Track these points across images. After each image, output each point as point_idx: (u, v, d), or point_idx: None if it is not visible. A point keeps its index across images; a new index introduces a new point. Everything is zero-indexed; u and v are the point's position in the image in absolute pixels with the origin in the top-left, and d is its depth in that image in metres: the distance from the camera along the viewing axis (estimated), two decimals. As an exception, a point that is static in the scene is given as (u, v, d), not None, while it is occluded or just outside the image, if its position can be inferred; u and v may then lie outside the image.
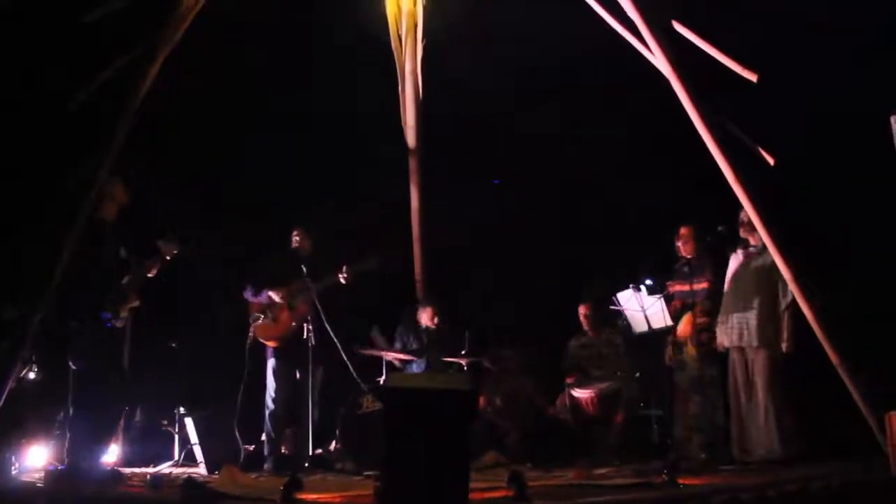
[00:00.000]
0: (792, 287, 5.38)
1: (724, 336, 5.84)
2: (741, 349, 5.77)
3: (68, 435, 5.03)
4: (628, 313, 6.17)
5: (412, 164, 7.33)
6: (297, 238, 6.30)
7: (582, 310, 6.91)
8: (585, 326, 6.92)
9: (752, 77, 5.37)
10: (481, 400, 6.81)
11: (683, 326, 6.09)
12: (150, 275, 5.26)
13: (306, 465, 5.82)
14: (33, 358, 5.82)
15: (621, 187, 7.39)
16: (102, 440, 5.09)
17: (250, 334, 6.07)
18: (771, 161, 5.53)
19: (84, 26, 5.38)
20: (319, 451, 6.20)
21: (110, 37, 5.49)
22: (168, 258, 5.28)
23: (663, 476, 4.31)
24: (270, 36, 7.31)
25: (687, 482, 4.36)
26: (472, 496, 3.20)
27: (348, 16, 6.94)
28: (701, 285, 6.08)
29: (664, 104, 6.32)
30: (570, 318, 7.18)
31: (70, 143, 5.71)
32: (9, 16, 5.92)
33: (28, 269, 5.24)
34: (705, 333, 6.00)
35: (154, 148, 6.41)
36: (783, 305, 5.62)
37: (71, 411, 4.99)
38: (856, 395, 5.24)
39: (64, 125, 5.80)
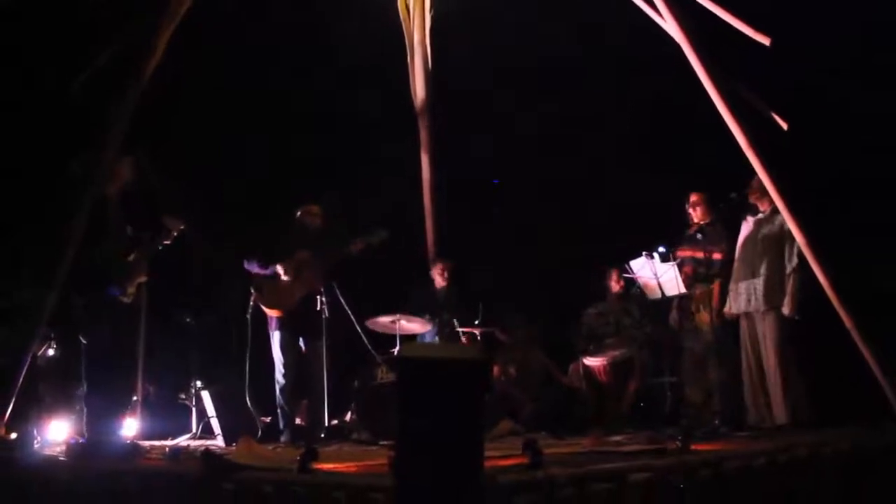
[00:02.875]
0: (806, 252, 5.36)
1: (733, 303, 5.86)
2: (750, 315, 5.78)
3: (84, 410, 5.12)
4: (641, 281, 6.16)
5: (423, 132, 7.34)
6: (310, 214, 6.27)
7: (614, 276, 6.90)
8: (613, 290, 6.91)
9: (765, 41, 5.31)
10: (495, 370, 6.86)
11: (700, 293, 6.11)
12: (159, 248, 5.30)
13: (322, 435, 5.88)
14: (52, 335, 5.89)
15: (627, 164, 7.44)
16: (116, 414, 5.16)
17: (251, 303, 6.01)
18: (784, 126, 5.49)
19: (83, 24, 5.37)
20: (335, 421, 6.26)
21: (109, 33, 5.48)
22: (175, 234, 5.32)
23: (677, 443, 4.33)
24: (272, 34, 7.31)
25: (700, 448, 4.38)
26: (487, 464, 3.21)
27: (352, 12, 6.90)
28: (716, 255, 6.08)
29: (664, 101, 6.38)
30: (582, 288, 7.21)
31: (74, 130, 5.72)
32: (9, 15, 5.89)
33: (40, 251, 5.28)
34: (720, 304, 6.01)
35: (155, 142, 6.38)
36: (789, 269, 5.62)
37: (85, 386, 5.06)
38: (870, 361, 5.24)
39: (69, 112, 5.81)
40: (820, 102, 6.45)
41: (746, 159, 5.46)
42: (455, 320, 6.82)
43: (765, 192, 5.67)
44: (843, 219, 6.23)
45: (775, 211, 5.68)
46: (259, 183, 7.69)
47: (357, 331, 6.22)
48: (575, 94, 7.63)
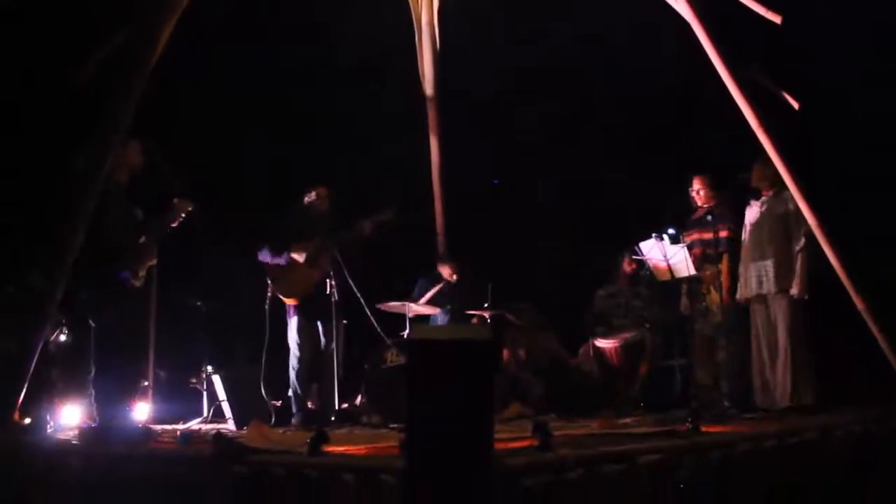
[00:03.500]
0: (817, 234, 5.34)
1: (744, 287, 5.84)
2: (761, 297, 5.77)
3: (92, 393, 5.15)
4: (651, 263, 6.14)
5: (431, 114, 7.33)
6: (317, 196, 6.26)
7: (625, 258, 6.89)
8: (625, 273, 6.90)
9: (776, 19, 5.26)
10: (504, 353, 6.86)
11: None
12: (167, 230, 5.33)
13: (332, 419, 5.90)
14: (63, 321, 5.92)
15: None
16: (125, 397, 5.20)
17: (269, 294, 6.05)
18: (796, 106, 5.45)
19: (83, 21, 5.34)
20: (345, 405, 6.28)
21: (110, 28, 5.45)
22: (183, 215, 5.33)
23: (687, 424, 4.33)
24: (273, 30, 7.28)
25: (710, 430, 4.38)
26: (497, 446, 3.23)
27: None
28: (723, 233, 6.07)
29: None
30: (591, 270, 7.22)
31: (80, 122, 5.70)
32: (9, 15, 5.86)
33: (49, 237, 5.27)
34: (729, 280, 5.99)
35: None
36: (797, 249, 5.61)
37: (93, 370, 5.09)
38: (882, 343, 5.22)
39: (73, 101, 5.78)
40: (832, 84, 6.40)
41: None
42: (464, 310, 6.83)
43: (767, 177, 5.67)
44: (854, 200, 6.18)
45: (779, 193, 5.68)
46: (261, 180, 7.69)
47: (367, 314, 6.22)
48: (575, 90, 7.63)
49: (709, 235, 6.11)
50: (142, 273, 5.16)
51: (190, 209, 5.33)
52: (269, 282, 6.03)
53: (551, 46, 7.41)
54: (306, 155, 7.63)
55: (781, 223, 5.71)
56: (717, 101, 5.53)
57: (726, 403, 5.83)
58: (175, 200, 5.29)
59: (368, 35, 6.92)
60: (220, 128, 7.40)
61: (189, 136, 7.11)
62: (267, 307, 6.01)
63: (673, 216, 6.36)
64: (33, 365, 4.84)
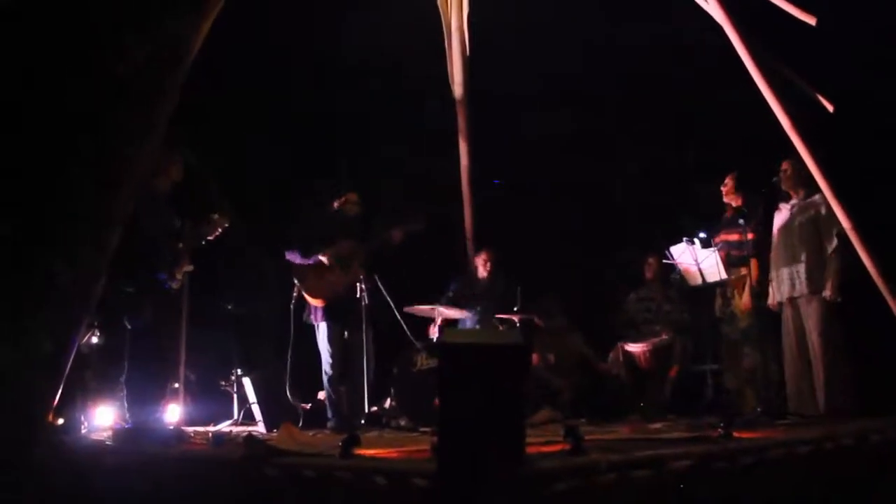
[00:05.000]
0: (852, 237, 5.26)
1: (776, 292, 5.77)
2: (794, 302, 5.69)
3: (125, 394, 5.22)
4: (682, 267, 6.10)
5: (460, 118, 7.32)
6: (347, 202, 6.28)
7: (651, 260, 6.87)
8: (649, 276, 6.88)
9: (811, 20, 5.20)
10: (534, 357, 6.85)
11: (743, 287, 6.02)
12: (202, 241, 5.41)
13: (362, 422, 5.91)
14: (96, 323, 5.99)
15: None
16: (156, 399, 5.27)
17: (294, 295, 6.08)
18: (830, 108, 5.38)
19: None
20: (374, 408, 6.29)
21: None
22: (220, 229, 5.42)
23: (719, 430, 4.28)
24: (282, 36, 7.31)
25: (743, 436, 4.33)
26: (529, 450, 3.21)
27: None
28: (749, 235, 6.02)
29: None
30: (621, 274, 7.18)
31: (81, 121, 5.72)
32: (9, 15, 5.89)
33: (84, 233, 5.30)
34: (756, 284, 5.93)
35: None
36: (829, 251, 5.54)
37: (126, 369, 5.16)
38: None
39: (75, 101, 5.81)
40: (866, 85, 6.30)
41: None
42: (495, 311, 6.82)
43: (797, 181, 5.62)
44: (889, 202, 6.09)
45: (810, 196, 5.61)
46: (265, 180, 7.72)
47: (397, 318, 6.24)
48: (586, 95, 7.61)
49: (735, 237, 6.06)
50: (179, 276, 5.27)
51: (227, 225, 5.44)
52: (297, 281, 6.05)
53: (559, 52, 7.38)
54: (309, 154, 7.67)
55: (813, 225, 5.65)
56: (734, 105, 5.49)
57: (758, 409, 5.76)
58: (214, 216, 5.40)
59: (369, 34, 6.94)
60: (222, 127, 7.43)
61: (197, 137, 7.18)
62: (292, 306, 6.04)
63: (683, 221, 6.34)
64: (69, 366, 4.90)
